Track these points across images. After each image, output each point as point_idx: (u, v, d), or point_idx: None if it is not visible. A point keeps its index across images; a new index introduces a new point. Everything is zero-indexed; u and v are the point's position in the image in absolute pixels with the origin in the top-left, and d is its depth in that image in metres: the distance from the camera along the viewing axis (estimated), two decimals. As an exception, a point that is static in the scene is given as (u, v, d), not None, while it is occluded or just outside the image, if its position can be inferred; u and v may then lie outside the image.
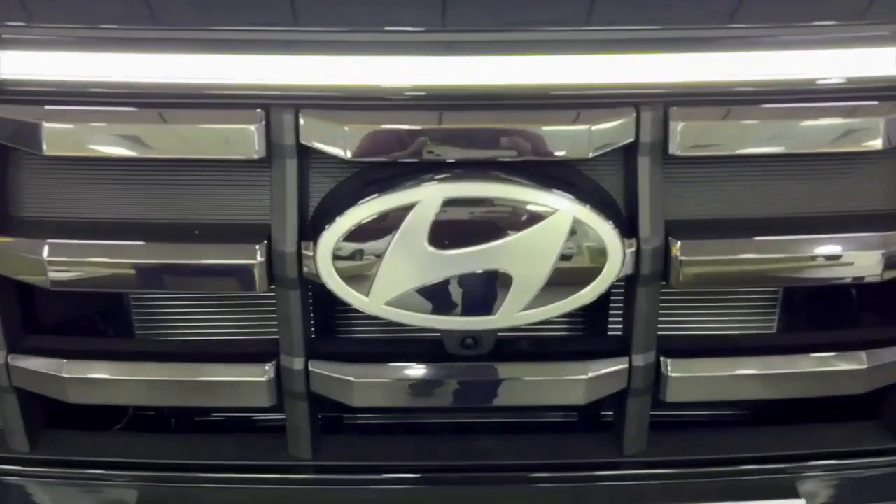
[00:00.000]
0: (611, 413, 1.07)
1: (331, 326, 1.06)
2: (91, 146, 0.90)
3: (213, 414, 1.17)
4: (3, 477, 1.03)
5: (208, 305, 1.09)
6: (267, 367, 0.96)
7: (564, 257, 0.90)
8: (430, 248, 0.88)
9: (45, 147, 0.89)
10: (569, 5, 0.95)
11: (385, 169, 0.91)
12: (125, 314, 1.11)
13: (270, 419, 1.12)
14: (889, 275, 0.94)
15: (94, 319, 1.11)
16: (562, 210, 0.88)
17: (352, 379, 0.95)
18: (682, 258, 0.91)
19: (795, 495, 1.00)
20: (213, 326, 1.11)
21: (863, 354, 0.99)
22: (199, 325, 1.11)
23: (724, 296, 1.12)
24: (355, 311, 0.97)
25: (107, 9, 0.96)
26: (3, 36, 0.92)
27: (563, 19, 0.94)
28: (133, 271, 0.92)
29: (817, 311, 1.12)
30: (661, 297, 1.00)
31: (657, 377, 0.97)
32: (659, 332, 1.01)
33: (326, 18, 0.93)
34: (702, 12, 0.95)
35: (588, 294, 0.91)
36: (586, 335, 1.08)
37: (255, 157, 0.89)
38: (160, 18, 0.95)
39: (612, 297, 1.02)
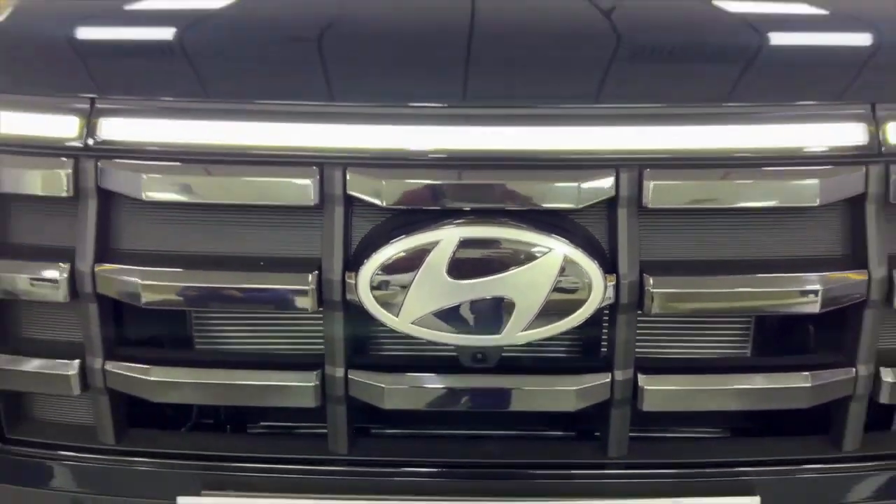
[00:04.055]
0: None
1: (363, 343, 1.24)
2: (180, 194, 1.10)
3: (261, 423, 1.37)
4: (93, 465, 1.23)
5: (254, 323, 1.27)
6: (314, 374, 1.14)
7: (557, 288, 1.08)
8: (449, 279, 1.07)
9: (143, 195, 1.10)
10: (562, 83, 1.16)
11: (413, 214, 1.10)
12: (187, 331, 1.28)
13: (305, 428, 1.32)
14: (826, 309, 1.13)
15: (161, 336, 1.28)
16: (555, 250, 1.07)
17: (383, 385, 1.13)
18: (654, 291, 1.10)
19: (752, 493, 1.16)
20: (258, 341, 1.27)
21: (808, 374, 1.15)
22: (247, 339, 1.28)
23: (708, 325, 1.28)
24: (384, 329, 1.15)
25: (192, 83, 1.19)
26: (101, 105, 1.13)
27: (558, 95, 1.14)
28: (209, 294, 1.12)
29: (782, 339, 1.28)
30: (657, 326, 1.19)
31: (635, 390, 1.17)
32: (653, 355, 1.20)
33: (371, 94, 1.13)
34: (671, 92, 1.15)
35: (575, 319, 1.09)
36: (580, 354, 1.24)
37: (311, 204, 1.09)
38: (237, 92, 1.15)
39: (605, 323, 1.21)
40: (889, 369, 1.16)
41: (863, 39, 1.28)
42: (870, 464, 1.21)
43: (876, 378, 1.17)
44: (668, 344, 1.27)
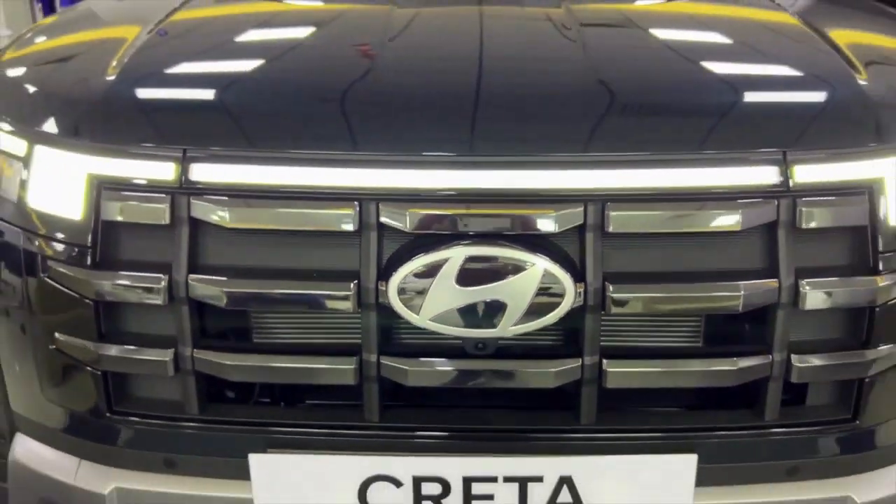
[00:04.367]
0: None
1: (391, 335, 1.50)
2: (252, 222, 1.40)
3: (307, 401, 1.66)
4: (182, 431, 1.51)
5: (298, 321, 1.52)
6: (354, 359, 1.44)
7: (539, 293, 1.37)
8: (457, 286, 1.37)
9: (225, 223, 1.42)
10: (544, 136, 1.45)
11: (430, 237, 1.39)
12: (247, 326, 1.54)
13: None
14: (747, 309, 1.42)
15: (228, 331, 1.53)
16: (538, 265, 1.36)
17: (407, 368, 1.43)
18: (613, 295, 1.40)
19: (691, 452, 1.45)
20: (301, 336, 1.53)
21: (735, 360, 1.44)
22: (291, 334, 1.54)
23: (667, 323, 1.51)
24: (407, 325, 1.42)
25: (259, 136, 1.48)
26: (191, 154, 1.44)
27: (541, 146, 1.43)
28: (275, 298, 1.42)
29: (725, 334, 1.52)
30: (625, 323, 1.47)
31: (600, 372, 1.49)
32: (620, 345, 1.49)
33: (398, 144, 1.43)
34: (628, 142, 1.44)
35: (553, 317, 1.38)
36: (559, 344, 1.50)
37: (352, 229, 1.39)
38: (294, 143, 1.44)
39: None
40: (797, 356, 1.45)
41: (779, 95, 1.57)
42: (785, 430, 1.50)
43: (789, 363, 1.49)
44: (635, 338, 1.52)
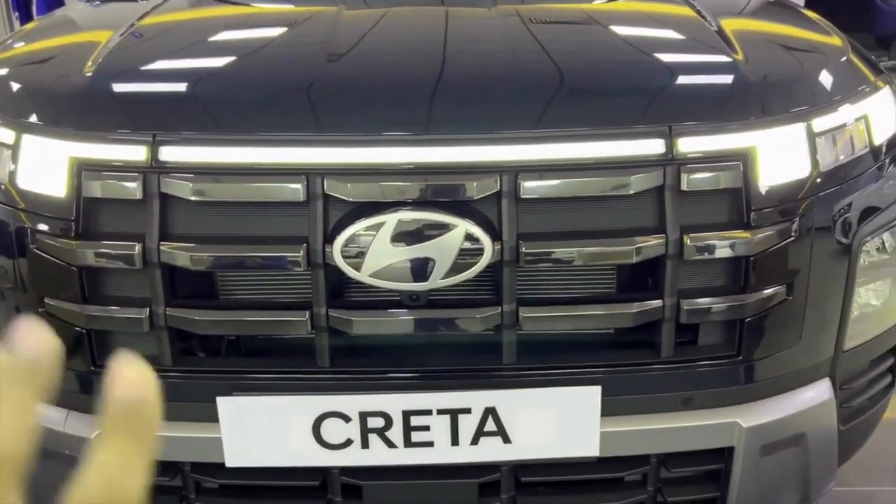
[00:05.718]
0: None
1: (338, 291, 1.73)
2: (214, 196, 1.62)
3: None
4: (158, 380, 1.78)
5: (261, 281, 1.72)
6: (306, 313, 1.67)
7: (462, 251, 1.60)
8: (392, 246, 1.59)
9: (190, 197, 1.67)
10: (465, 116, 1.70)
11: (368, 206, 1.59)
12: (213, 286, 1.72)
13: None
14: (639, 260, 1.67)
15: (194, 290, 1.71)
16: (460, 226, 1.59)
17: (352, 318, 1.67)
18: (525, 252, 1.65)
19: (596, 384, 1.70)
20: (262, 293, 1.73)
21: (633, 304, 1.69)
22: (252, 292, 1.73)
23: (585, 274, 1.71)
24: (351, 281, 1.64)
25: (221, 121, 1.75)
26: (160, 138, 1.68)
27: (461, 125, 1.67)
28: (235, 261, 1.64)
29: (633, 283, 1.77)
30: (546, 276, 1.70)
31: (517, 318, 1.74)
32: (534, 295, 1.74)
33: (338, 126, 1.69)
34: (538, 119, 1.71)
35: (475, 271, 1.60)
36: (484, 294, 1.69)
37: (301, 200, 1.62)
38: (250, 127, 1.69)
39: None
40: (686, 301, 1.70)
41: (665, 76, 1.83)
42: (679, 365, 1.76)
43: (679, 307, 1.75)
44: (558, 290, 1.73)
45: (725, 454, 1.82)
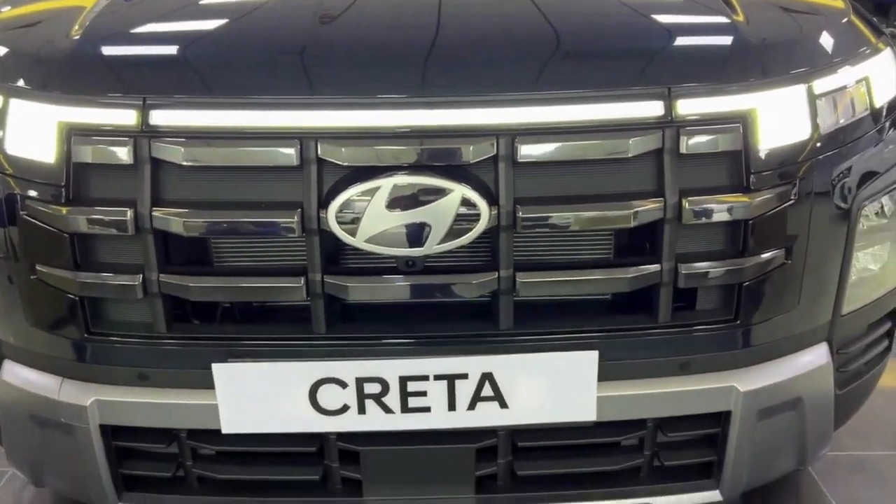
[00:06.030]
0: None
1: (333, 256, 1.65)
2: (207, 160, 1.59)
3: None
4: (152, 347, 1.70)
5: (254, 247, 1.69)
6: (301, 279, 1.63)
7: (458, 216, 1.56)
8: (387, 211, 1.56)
9: (182, 161, 1.63)
10: (462, 80, 1.65)
11: (363, 170, 1.56)
12: (207, 253, 1.69)
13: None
14: (637, 224, 1.63)
15: (188, 256, 1.68)
16: (457, 191, 1.55)
17: (347, 284, 1.64)
18: (522, 216, 1.62)
19: (593, 349, 1.69)
20: (256, 259, 1.69)
21: (630, 269, 1.67)
22: (247, 258, 1.70)
23: (582, 239, 1.69)
24: (347, 246, 1.59)
25: (213, 85, 1.68)
26: (151, 102, 1.63)
27: (458, 88, 1.63)
28: (229, 227, 1.60)
29: (631, 247, 1.71)
30: (543, 240, 1.66)
31: (514, 283, 1.70)
32: (531, 259, 1.69)
33: (330, 88, 1.64)
34: (536, 82, 1.65)
35: (471, 236, 1.57)
36: (481, 260, 1.67)
37: (295, 165, 1.59)
38: (243, 90, 1.64)
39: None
40: (683, 265, 1.68)
41: (664, 38, 1.79)
42: (677, 330, 1.74)
43: (677, 271, 1.73)
44: (556, 255, 1.70)
45: (722, 418, 1.82)
